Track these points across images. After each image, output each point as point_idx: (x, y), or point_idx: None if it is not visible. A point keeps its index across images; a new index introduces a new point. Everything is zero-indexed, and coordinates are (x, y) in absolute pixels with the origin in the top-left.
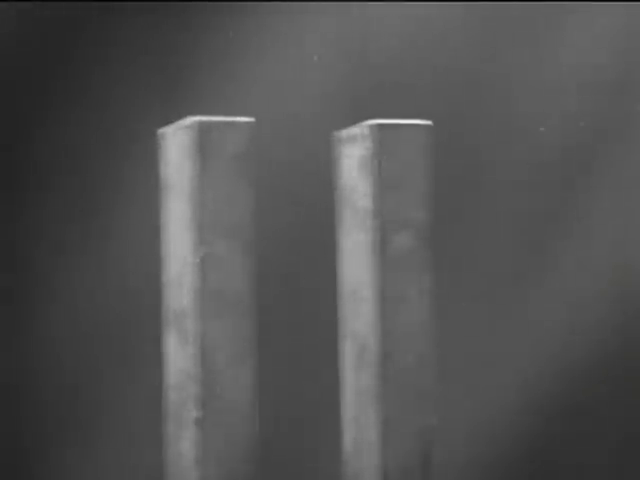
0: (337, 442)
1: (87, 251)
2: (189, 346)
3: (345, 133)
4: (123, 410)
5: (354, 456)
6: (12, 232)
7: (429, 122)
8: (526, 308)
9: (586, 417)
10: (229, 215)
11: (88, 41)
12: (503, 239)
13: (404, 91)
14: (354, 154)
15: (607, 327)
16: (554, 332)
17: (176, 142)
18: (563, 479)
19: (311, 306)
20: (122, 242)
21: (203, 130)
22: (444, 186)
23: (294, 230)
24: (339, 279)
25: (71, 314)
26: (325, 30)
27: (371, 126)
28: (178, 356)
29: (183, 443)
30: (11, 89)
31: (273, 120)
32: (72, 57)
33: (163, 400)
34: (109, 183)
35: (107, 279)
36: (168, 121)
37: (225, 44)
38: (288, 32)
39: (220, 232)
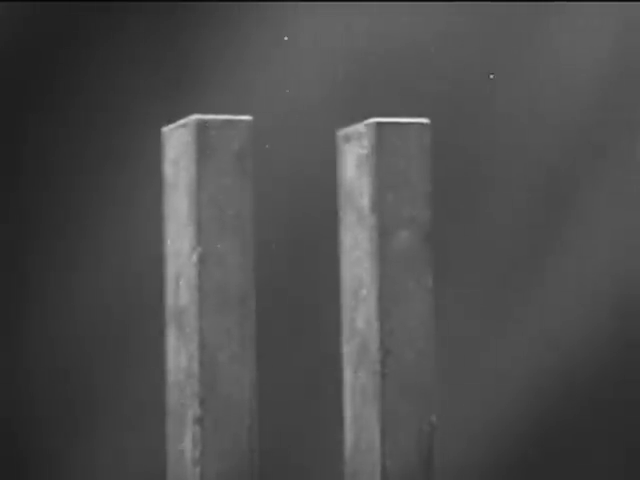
0: (338, 441)
1: (88, 250)
2: (189, 344)
3: (345, 132)
4: (123, 409)
5: (354, 455)
6: (13, 231)
7: (428, 120)
8: (527, 308)
9: (587, 418)
10: (229, 213)
11: (90, 40)
12: (503, 239)
13: (404, 91)
14: (354, 152)
15: (608, 325)
16: (555, 332)
17: (176, 141)
18: (565, 477)
19: (312, 304)
20: (125, 241)
21: (202, 128)
22: (444, 185)
23: (295, 229)
24: (340, 277)
25: (71, 313)
26: (326, 30)
27: (371, 124)
28: (178, 354)
29: (184, 442)
30: (12, 89)
31: (274, 119)
32: (74, 57)
33: (165, 398)
34: (113, 182)
35: (109, 278)
36: (174, 120)
37: (227, 44)
38: (289, 32)
39: (220, 230)
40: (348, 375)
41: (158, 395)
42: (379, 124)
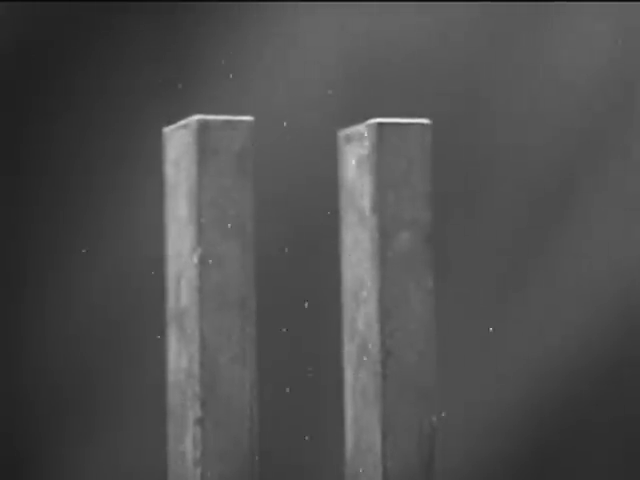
0: (338, 442)
1: (90, 250)
2: (190, 346)
3: (346, 132)
4: (124, 410)
5: (355, 456)
6: (14, 230)
7: (428, 121)
8: (527, 308)
9: (587, 418)
10: (229, 214)
11: (90, 40)
12: (503, 239)
13: (405, 91)
14: (355, 153)
15: (608, 325)
16: (555, 331)
17: (177, 141)
18: (565, 478)
19: (312, 305)
20: (125, 241)
21: (203, 129)
22: (444, 185)
23: (295, 229)
24: (341, 278)
25: (71, 313)
26: (326, 30)
27: (372, 125)
28: (179, 356)
29: (184, 443)
30: (13, 89)
31: (274, 119)
32: (74, 56)
33: (165, 399)
34: (113, 182)
35: (108, 278)
36: (174, 120)
37: (226, 44)
38: (289, 32)
39: (220, 231)
40: (349, 376)
41: (158, 396)
42: (380, 124)
